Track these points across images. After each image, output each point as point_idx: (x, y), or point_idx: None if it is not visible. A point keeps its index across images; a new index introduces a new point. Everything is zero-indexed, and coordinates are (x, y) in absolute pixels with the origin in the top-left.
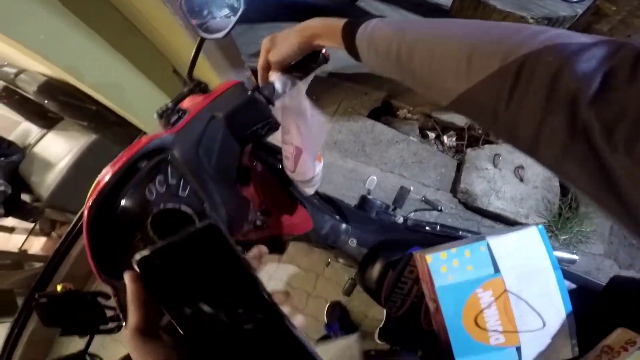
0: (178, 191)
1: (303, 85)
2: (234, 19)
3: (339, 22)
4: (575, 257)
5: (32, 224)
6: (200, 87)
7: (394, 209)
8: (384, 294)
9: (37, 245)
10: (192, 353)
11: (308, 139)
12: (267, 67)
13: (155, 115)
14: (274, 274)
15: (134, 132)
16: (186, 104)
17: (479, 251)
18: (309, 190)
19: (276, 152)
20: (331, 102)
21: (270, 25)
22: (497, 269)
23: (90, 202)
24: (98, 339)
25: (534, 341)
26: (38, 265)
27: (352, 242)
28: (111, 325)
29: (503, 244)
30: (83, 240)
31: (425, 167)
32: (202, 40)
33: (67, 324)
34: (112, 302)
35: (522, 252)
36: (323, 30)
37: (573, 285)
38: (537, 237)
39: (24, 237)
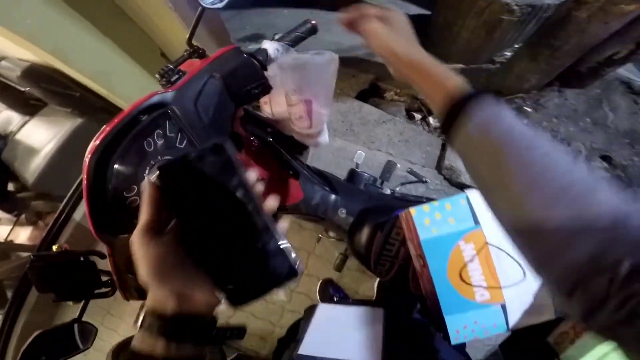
0: (175, 143)
1: (293, 51)
2: None
3: (447, 83)
4: None
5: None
6: (198, 53)
7: (382, 182)
8: (373, 258)
9: (23, 235)
10: (189, 251)
11: (318, 83)
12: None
13: (157, 75)
14: None
15: None
16: (185, 66)
17: (459, 204)
18: (322, 140)
19: (266, 125)
20: None
21: (259, 11)
22: (477, 222)
23: (92, 149)
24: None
25: (518, 298)
26: (25, 255)
27: (342, 212)
28: (105, 289)
29: (479, 196)
30: (71, 225)
31: (411, 146)
32: (203, 9)
33: (61, 288)
34: (105, 266)
35: None
36: (425, 80)
37: None
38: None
39: (10, 227)
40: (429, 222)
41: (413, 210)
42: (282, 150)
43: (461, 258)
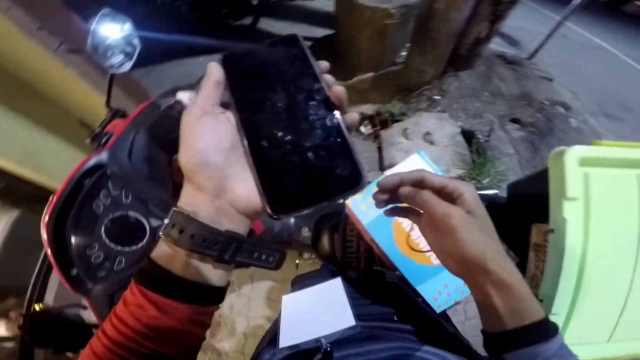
0: (122, 200)
1: None
2: (134, 55)
3: (531, 312)
4: (495, 191)
5: None
6: (119, 114)
7: None
8: (339, 259)
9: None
10: (244, 142)
11: None
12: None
13: (88, 141)
14: (251, 294)
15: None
16: (111, 128)
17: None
18: None
19: None
20: None
21: (174, 63)
22: None
23: (46, 220)
24: None
25: None
26: (9, 344)
27: (305, 231)
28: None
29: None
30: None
31: None
32: (112, 75)
33: (56, 342)
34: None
35: None
36: (506, 300)
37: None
38: (420, 161)
39: None
40: (364, 207)
41: (349, 201)
42: None
43: (402, 230)
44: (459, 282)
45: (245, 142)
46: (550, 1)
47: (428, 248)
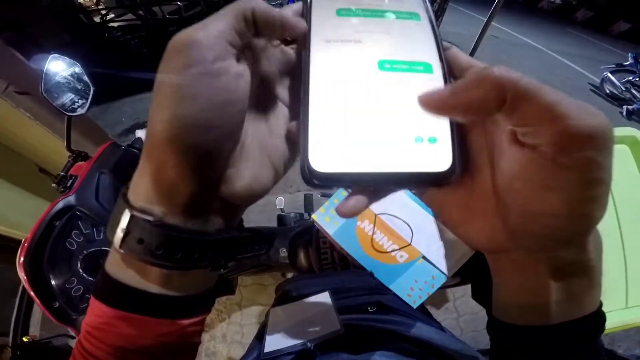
0: (94, 237)
1: None
2: (89, 97)
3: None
4: None
5: None
6: (81, 156)
7: (308, 214)
8: (317, 271)
9: None
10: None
11: None
12: None
13: (54, 185)
14: (241, 321)
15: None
16: (75, 170)
17: (342, 195)
18: None
19: None
20: None
21: (130, 100)
22: None
23: (21, 261)
24: None
25: (430, 246)
26: None
27: (283, 252)
28: None
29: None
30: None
31: None
32: (69, 118)
33: None
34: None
35: None
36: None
37: None
38: None
39: None
40: (329, 219)
41: (314, 215)
42: None
43: (365, 234)
44: (428, 276)
45: (307, 76)
46: (476, 3)
47: (392, 248)
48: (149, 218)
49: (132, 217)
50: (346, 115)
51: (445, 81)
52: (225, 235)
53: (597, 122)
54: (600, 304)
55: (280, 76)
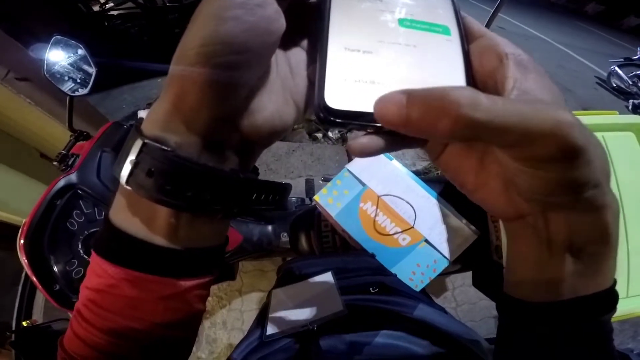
0: (96, 217)
1: None
2: (91, 78)
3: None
4: None
5: None
6: (83, 136)
7: (310, 199)
8: (319, 254)
9: None
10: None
11: None
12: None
13: (55, 163)
14: (242, 307)
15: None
16: (76, 149)
17: (344, 177)
18: None
19: None
20: None
21: (131, 87)
22: (363, 184)
23: (21, 242)
24: None
25: (433, 229)
26: None
27: (284, 236)
28: None
29: (357, 165)
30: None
31: (324, 162)
32: (71, 98)
33: (47, 356)
34: None
35: (372, 164)
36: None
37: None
38: (382, 156)
39: None
40: (332, 200)
41: (317, 196)
42: None
43: (368, 216)
44: (430, 260)
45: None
46: None
47: (394, 230)
48: (162, 147)
49: (143, 145)
50: (363, 57)
51: (462, 45)
52: (240, 176)
53: (549, 126)
54: (614, 282)
55: (301, 23)
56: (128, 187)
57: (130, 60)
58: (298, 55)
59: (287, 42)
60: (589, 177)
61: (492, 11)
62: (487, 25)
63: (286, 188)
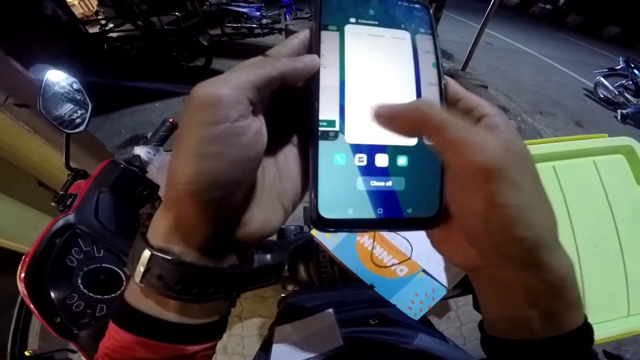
0: (94, 254)
1: (162, 150)
2: (87, 114)
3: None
4: None
5: None
6: (80, 174)
7: (309, 227)
8: (317, 285)
9: None
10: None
11: None
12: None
13: (53, 203)
14: (242, 333)
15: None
16: (74, 189)
17: None
18: None
19: None
20: None
21: (129, 111)
22: None
23: (22, 276)
24: None
25: (430, 259)
26: None
27: None
28: None
29: None
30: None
31: None
32: (68, 135)
33: None
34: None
35: None
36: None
37: None
38: None
39: None
40: (328, 235)
41: (314, 231)
42: None
43: (365, 249)
44: (429, 289)
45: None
46: (470, 10)
47: (392, 262)
48: (168, 257)
49: (152, 255)
50: (351, 174)
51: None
52: (237, 271)
53: (488, 157)
54: (585, 318)
55: (287, 117)
56: (142, 285)
57: (129, 82)
58: (287, 152)
59: (275, 138)
60: (514, 199)
61: (479, 27)
62: (476, 41)
63: (280, 267)
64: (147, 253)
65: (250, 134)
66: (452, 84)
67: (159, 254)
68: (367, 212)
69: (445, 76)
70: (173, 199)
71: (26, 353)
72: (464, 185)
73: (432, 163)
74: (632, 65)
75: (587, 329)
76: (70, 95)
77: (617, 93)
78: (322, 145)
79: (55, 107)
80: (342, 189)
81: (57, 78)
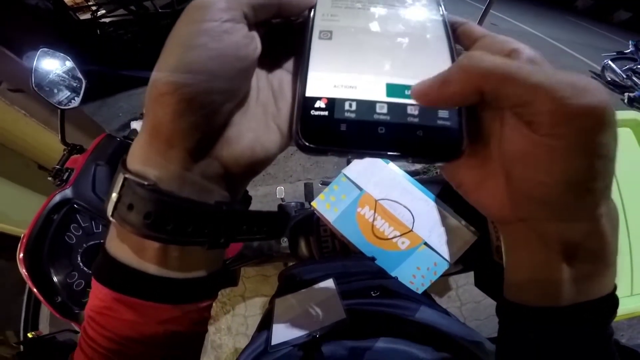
0: (94, 230)
1: None
2: (81, 90)
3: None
4: None
5: None
6: (76, 149)
7: (309, 203)
8: (319, 259)
9: None
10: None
11: None
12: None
13: (50, 178)
14: (246, 312)
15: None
16: (70, 163)
17: (341, 182)
18: None
19: None
20: None
21: (126, 95)
22: (360, 188)
23: (21, 256)
24: None
25: (432, 232)
26: None
27: (284, 242)
28: None
29: (353, 169)
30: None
31: (322, 164)
32: (63, 111)
33: None
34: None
35: (367, 168)
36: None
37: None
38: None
39: None
40: (329, 206)
41: (314, 203)
42: None
43: (366, 221)
44: (430, 263)
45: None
46: None
47: (393, 234)
48: (142, 182)
49: (124, 180)
50: (344, 88)
51: (450, 45)
52: (224, 208)
53: (589, 101)
54: (615, 287)
55: (289, 53)
56: (113, 220)
57: (125, 67)
58: (283, 77)
59: (271, 64)
60: (606, 148)
61: (484, 8)
62: (480, 22)
63: (282, 219)
64: (120, 177)
65: (241, 35)
66: (473, 25)
67: (132, 177)
68: (365, 128)
69: (459, 19)
70: (153, 99)
71: (29, 335)
72: (526, 125)
73: None
74: None
75: (614, 298)
76: (62, 72)
77: (625, 77)
78: (315, 54)
79: (48, 84)
80: (330, 105)
81: (49, 57)
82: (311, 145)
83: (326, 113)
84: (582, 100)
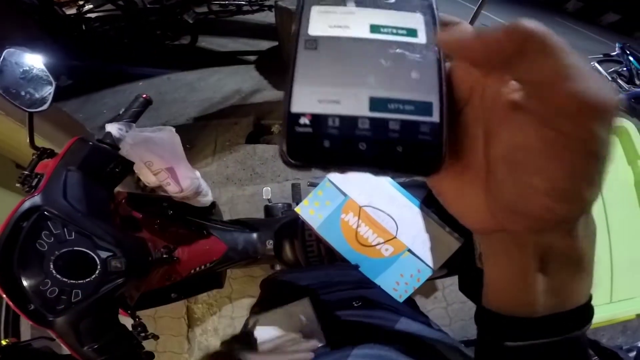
0: (65, 238)
1: (135, 126)
2: (50, 92)
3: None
4: None
5: None
6: (47, 153)
7: (296, 204)
8: (303, 264)
9: None
10: None
11: (170, 154)
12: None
13: (18, 185)
14: (232, 314)
15: None
16: (41, 168)
17: (326, 187)
18: (206, 200)
19: (161, 200)
20: (207, 144)
21: (111, 91)
22: (344, 194)
23: None
24: None
25: (416, 238)
26: None
27: (270, 244)
28: None
29: (338, 175)
30: None
31: None
32: (31, 114)
33: None
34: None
35: (352, 173)
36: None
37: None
38: None
39: None
40: (313, 212)
41: (298, 208)
42: (187, 216)
43: (350, 227)
44: (414, 270)
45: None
46: None
47: (377, 241)
48: None
49: None
50: (328, 104)
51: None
52: None
53: (609, 96)
54: (590, 297)
55: None
56: None
57: (111, 63)
58: None
59: None
60: (606, 149)
61: (475, 9)
62: (471, 23)
63: None
64: None
65: None
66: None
67: None
68: (347, 144)
69: (454, 19)
70: None
71: (3, 342)
72: (514, 126)
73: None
74: (628, 52)
75: (590, 308)
76: (31, 73)
77: (610, 79)
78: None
79: (14, 85)
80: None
81: (17, 56)
82: (296, 163)
83: (310, 130)
84: (603, 94)
